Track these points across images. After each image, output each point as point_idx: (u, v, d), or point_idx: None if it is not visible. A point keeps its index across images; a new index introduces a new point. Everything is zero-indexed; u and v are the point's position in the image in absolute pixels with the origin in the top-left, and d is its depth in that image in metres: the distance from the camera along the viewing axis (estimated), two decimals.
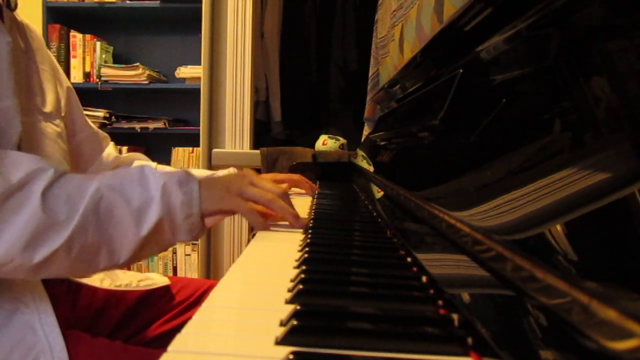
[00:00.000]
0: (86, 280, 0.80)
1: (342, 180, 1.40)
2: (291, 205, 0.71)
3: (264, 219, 0.70)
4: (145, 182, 0.62)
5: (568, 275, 0.24)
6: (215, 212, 0.65)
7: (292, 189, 1.14)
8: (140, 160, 1.04)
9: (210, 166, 2.01)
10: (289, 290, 0.42)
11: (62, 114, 0.86)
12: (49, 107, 0.77)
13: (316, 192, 1.08)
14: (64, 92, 0.88)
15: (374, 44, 1.68)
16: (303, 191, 1.08)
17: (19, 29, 0.75)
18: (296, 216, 0.70)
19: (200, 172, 1.06)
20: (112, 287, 0.82)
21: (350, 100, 2.63)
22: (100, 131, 0.99)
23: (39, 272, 0.57)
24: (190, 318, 0.35)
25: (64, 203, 0.57)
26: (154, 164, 1.03)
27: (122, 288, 0.83)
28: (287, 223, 0.72)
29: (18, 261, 0.54)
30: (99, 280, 0.82)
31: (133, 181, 0.61)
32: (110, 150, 1.00)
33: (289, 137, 2.61)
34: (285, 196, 0.71)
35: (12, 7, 0.72)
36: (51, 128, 0.75)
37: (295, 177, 1.08)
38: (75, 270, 0.60)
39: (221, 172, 1.05)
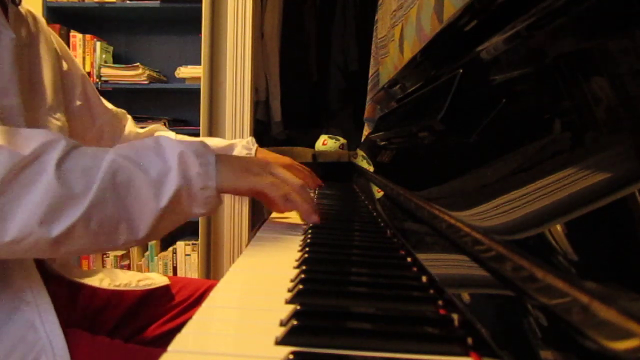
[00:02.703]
0: (86, 280, 0.80)
1: (342, 180, 1.40)
2: (309, 199, 0.69)
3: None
4: (162, 151, 0.60)
5: (568, 275, 0.24)
6: (231, 189, 0.64)
7: None
8: (160, 132, 1.05)
9: None
10: (289, 290, 0.42)
11: (79, 103, 0.88)
12: (49, 101, 0.76)
13: (316, 192, 1.08)
14: (78, 80, 0.89)
15: (374, 44, 1.68)
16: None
17: (23, 21, 0.75)
18: (310, 212, 0.69)
19: (216, 141, 1.08)
20: (112, 287, 0.82)
21: (350, 100, 2.63)
22: (118, 110, 1.01)
23: (59, 247, 0.56)
24: (190, 318, 0.35)
25: (80, 175, 0.55)
26: (173, 134, 1.05)
27: (122, 288, 0.83)
28: (292, 221, 0.71)
29: (36, 235, 0.53)
30: (99, 280, 0.82)
31: (149, 151, 0.60)
32: (130, 127, 1.02)
33: (289, 137, 2.62)
34: (304, 189, 0.69)
35: (17, 2, 0.72)
36: (52, 123, 0.75)
37: (300, 167, 1.08)
38: (96, 245, 0.58)
39: (238, 141, 1.07)
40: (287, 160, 1.08)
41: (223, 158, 0.64)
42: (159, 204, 0.58)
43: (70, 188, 0.54)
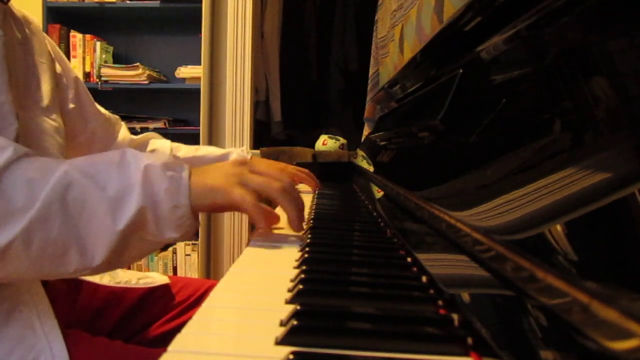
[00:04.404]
0: (86, 277, 0.81)
1: (342, 180, 1.40)
2: (299, 199, 0.62)
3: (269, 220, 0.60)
4: (126, 166, 0.52)
5: (568, 275, 0.24)
6: (209, 205, 0.56)
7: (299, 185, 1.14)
8: (156, 140, 1.04)
9: None
10: (289, 290, 0.42)
11: (72, 105, 0.87)
12: (45, 101, 0.76)
13: (316, 192, 1.08)
14: (71, 83, 0.88)
15: (374, 44, 1.68)
16: (309, 188, 1.08)
17: (16, 21, 0.74)
18: (301, 216, 0.61)
19: (212, 150, 1.07)
20: (112, 284, 0.83)
21: (350, 100, 2.63)
22: (112, 115, 1.00)
23: None
24: (190, 318, 0.35)
25: (24, 187, 0.48)
26: (168, 142, 1.04)
27: (122, 285, 0.84)
28: (284, 231, 0.65)
29: None
30: (99, 276, 0.83)
31: (111, 165, 0.52)
32: (124, 133, 1.01)
33: (289, 137, 2.62)
34: (293, 187, 0.61)
35: (4, 0, 0.71)
36: (48, 123, 0.75)
37: (304, 172, 1.07)
38: (39, 270, 0.51)
39: (233, 150, 1.06)
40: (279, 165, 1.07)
41: (197, 169, 0.56)
42: (116, 226, 0.50)
43: (10, 201, 0.48)
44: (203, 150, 1.06)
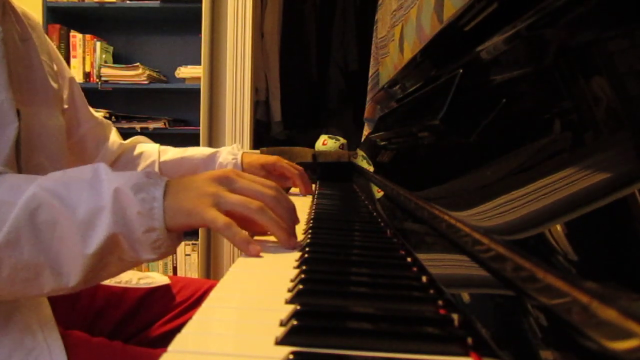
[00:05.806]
0: None
1: (342, 180, 1.40)
2: (289, 209, 0.58)
3: (250, 238, 0.55)
4: (98, 186, 0.50)
5: (568, 275, 0.24)
6: (184, 226, 0.53)
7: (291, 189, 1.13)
8: (143, 144, 1.04)
9: None
10: (289, 290, 0.42)
11: (65, 106, 0.86)
12: (49, 99, 0.76)
13: (315, 192, 1.08)
14: (66, 83, 0.88)
15: (374, 44, 1.68)
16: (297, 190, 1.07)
17: (16, 16, 0.73)
18: (288, 232, 0.56)
19: (200, 150, 1.04)
20: (113, 284, 0.83)
21: (350, 100, 2.63)
22: (103, 120, 1.00)
23: None
24: (190, 318, 0.35)
25: None
26: (156, 146, 1.03)
27: (123, 284, 0.83)
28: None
29: None
30: None
31: (83, 184, 0.51)
32: (114, 137, 1.00)
33: (289, 137, 2.62)
34: (277, 199, 0.57)
35: None
36: (52, 121, 0.75)
37: (298, 169, 1.05)
38: (12, 292, 0.50)
39: (223, 149, 1.05)
40: (272, 159, 1.03)
41: (173, 187, 0.53)
42: (87, 250, 0.49)
43: None
44: (191, 151, 1.04)
